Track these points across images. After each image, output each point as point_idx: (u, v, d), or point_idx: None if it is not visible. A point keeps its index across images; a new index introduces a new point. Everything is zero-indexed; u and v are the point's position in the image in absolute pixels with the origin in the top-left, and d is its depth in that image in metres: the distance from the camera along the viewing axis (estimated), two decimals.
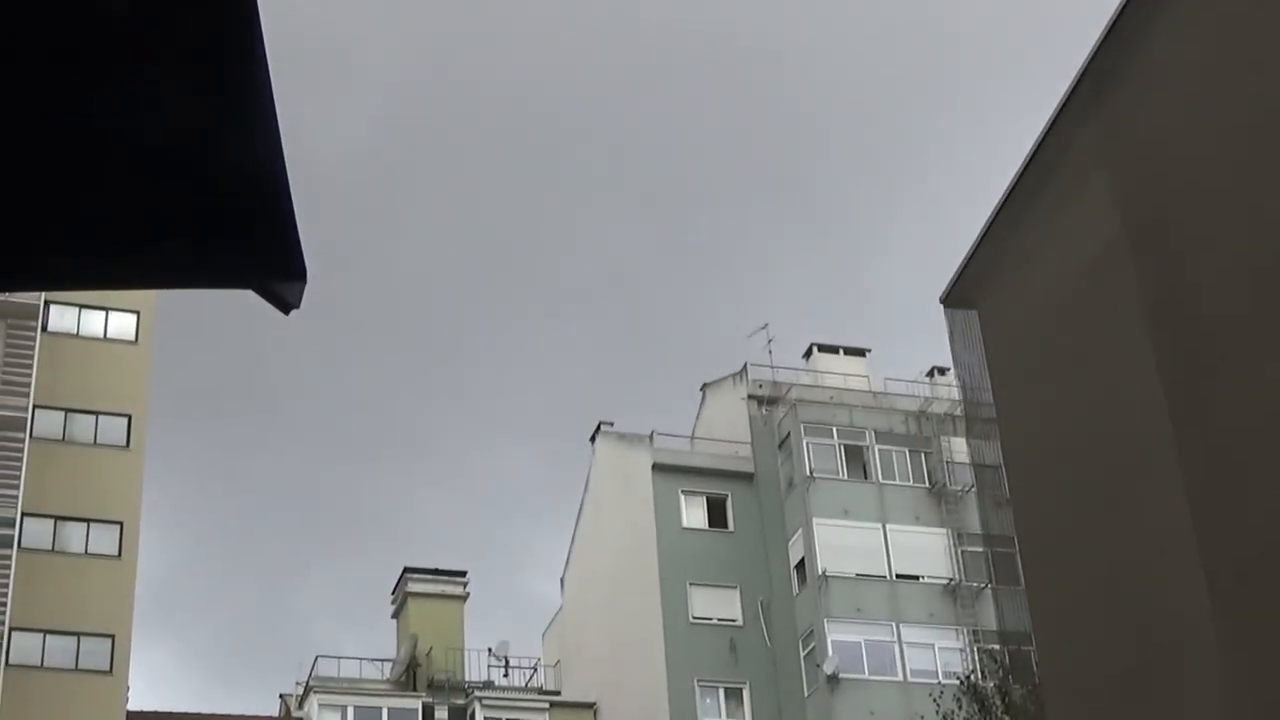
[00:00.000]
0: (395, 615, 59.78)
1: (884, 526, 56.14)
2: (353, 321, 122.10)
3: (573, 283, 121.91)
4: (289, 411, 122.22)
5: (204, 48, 3.16)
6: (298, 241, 3.26)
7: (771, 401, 59.74)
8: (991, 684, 38.02)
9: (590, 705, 55.59)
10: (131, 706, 49.26)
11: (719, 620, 56.61)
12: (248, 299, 3.32)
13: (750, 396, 60.41)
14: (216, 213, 3.28)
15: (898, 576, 55.37)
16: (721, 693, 55.71)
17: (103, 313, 51.90)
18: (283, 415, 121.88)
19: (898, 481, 57.54)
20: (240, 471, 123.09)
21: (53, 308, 50.74)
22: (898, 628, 54.20)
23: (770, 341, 62.07)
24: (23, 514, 46.81)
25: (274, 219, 3.24)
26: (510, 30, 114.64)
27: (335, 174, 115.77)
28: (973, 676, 40.56)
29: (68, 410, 50.12)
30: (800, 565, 55.88)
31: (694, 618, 56.48)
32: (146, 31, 3.17)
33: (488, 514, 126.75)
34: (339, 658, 57.16)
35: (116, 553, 48.81)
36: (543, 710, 53.96)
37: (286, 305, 3.29)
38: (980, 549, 54.24)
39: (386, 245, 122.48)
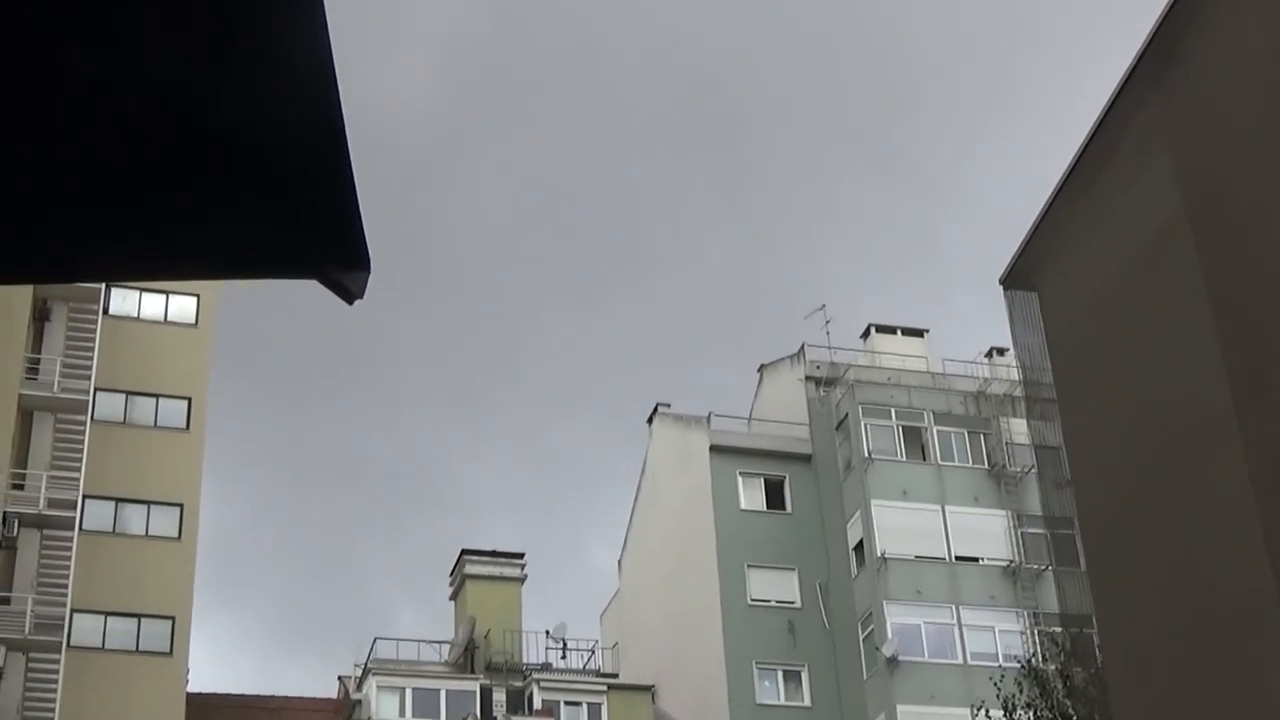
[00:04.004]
0: (453, 597, 59.95)
1: (943, 508, 56.02)
2: (413, 293, 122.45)
3: (634, 259, 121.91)
4: (348, 384, 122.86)
5: (267, 37, 3.16)
6: (362, 232, 3.27)
7: (829, 383, 59.65)
8: (1053, 667, 37.82)
9: (648, 688, 55.62)
10: (191, 687, 49.65)
11: (777, 602, 56.62)
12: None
13: (808, 378, 60.32)
14: (280, 203, 3.29)
15: (957, 558, 55.25)
16: (780, 675, 55.74)
17: (163, 296, 52.28)
18: (342, 388, 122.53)
19: (956, 463, 57.40)
20: (300, 445, 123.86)
21: (114, 291, 51.15)
22: (957, 610, 54.09)
23: (828, 323, 62.01)
24: (84, 496, 47.15)
25: (338, 209, 3.25)
26: None
27: (396, 139, 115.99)
28: (1034, 659, 40.38)
29: (128, 393, 50.53)
30: (859, 547, 55.81)
31: (752, 600, 56.51)
32: (210, 18, 3.17)
33: (547, 491, 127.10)
34: (397, 640, 57.51)
35: (176, 534, 49.21)
36: (600, 692, 54.01)
37: (350, 295, 3.29)
38: (1041, 531, 54.10)
39: (449, 212, 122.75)
